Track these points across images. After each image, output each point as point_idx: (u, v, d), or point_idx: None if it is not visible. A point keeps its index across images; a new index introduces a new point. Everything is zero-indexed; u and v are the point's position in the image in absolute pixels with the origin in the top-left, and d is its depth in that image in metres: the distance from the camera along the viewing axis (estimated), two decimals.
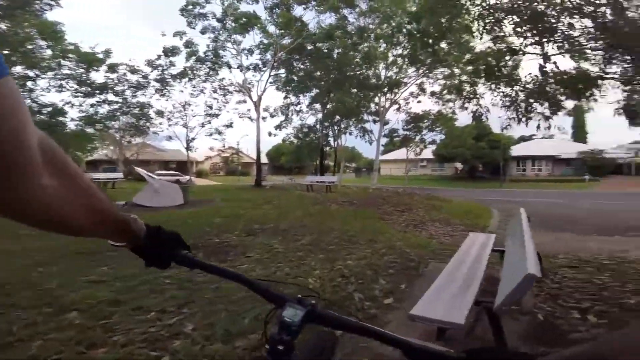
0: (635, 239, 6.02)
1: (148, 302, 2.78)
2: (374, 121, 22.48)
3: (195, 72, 20.70)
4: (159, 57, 20.29)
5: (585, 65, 6.39)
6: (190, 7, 18.52)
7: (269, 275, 3.58)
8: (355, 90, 20.55)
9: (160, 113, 22.90)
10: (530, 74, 6.67)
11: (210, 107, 22.77)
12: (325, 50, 19.82)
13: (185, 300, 2.85)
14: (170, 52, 19.95)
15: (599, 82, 6.11)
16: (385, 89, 20.59)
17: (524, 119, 6.96)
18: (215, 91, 22.02)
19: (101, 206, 0.50)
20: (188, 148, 24.19)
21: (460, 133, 25.78)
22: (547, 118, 6.51)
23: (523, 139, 42.72)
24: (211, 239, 5.29)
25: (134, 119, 22.68)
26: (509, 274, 2.05)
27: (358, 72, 20.52)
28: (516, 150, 35.13)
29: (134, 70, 20.72)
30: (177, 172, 29.15)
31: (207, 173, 42.79)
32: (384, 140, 24.07)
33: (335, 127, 24.96)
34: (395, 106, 21.84)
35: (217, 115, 23.03)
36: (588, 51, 6.11)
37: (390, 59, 20.33)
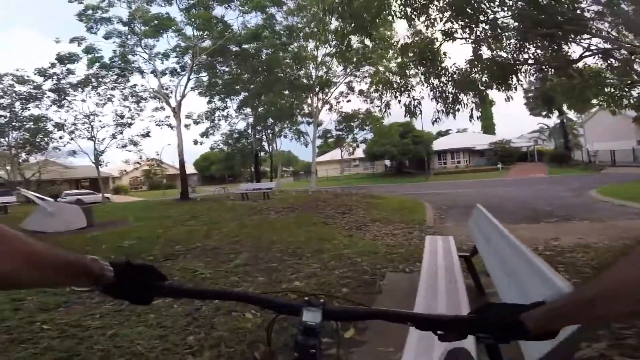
0: (558, 225, 6.36)
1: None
2: (308, 123, 22.43)
3: (100, 79, 18.75)
4: (52, 65, 18.00)
5: (502, 54, 6.67)
6: (90, 11, 16.43)
7: (190, 313, 2.70)
8: (287, 92, 20.05)
9: (60, 126, 20.14)
10: (454, 64, 6.81)
11: (121, 117, 20.69)
12: (253, 51, 18.90)
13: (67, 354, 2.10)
14: (67, 59, 17.77)
15: (518, 68, 6.39)
16: (317, 89, 20.55)
17: (451, 111, 7.09)
18: (126, 98, 20.06)
19: (29, 249, 0.47)
20: (97, 163, 21.71)
21: (387, 130, 26.83)
22: (477, 106, 6.61)
23: (440, 134, 46.46)
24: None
25: (28, 135, 19.69)
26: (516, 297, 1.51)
27: (289, 73, 20.03)
28: (437, 145, 37.65)
29: (22, 81, 18.23)
30: (89, 191, 26.12)
31: (127, 189, 39.02)
32: (318, 142, 24.02)
33: (269, 131, 24.14)
34: (327, 106, 22.03)
35: (129, 125, 21.13)
36: (504, 39, 6.37)
37: (320, 58, 20.24)
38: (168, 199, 18.80)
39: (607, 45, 5.72)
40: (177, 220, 8.57)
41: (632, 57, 5.51)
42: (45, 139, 20.26)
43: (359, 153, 31.93)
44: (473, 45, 6.18)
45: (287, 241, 5.57)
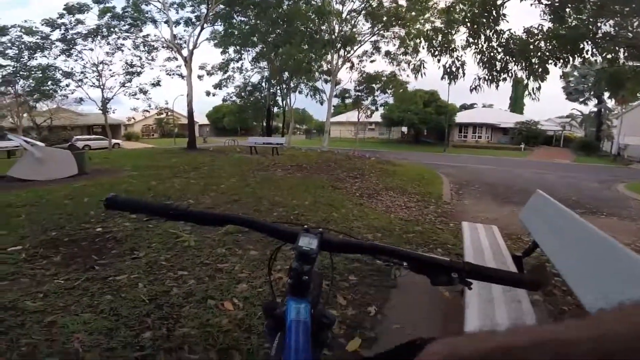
0: (585, 218, 5.71)
1: None
2: (326, 81, 21.24)
3: (111, 29, 18.18)
4: (61, 15, 17.46)
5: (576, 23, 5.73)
6: None
7: (155, 297, 2.13)
8: (306, 46, 18.60)
9: (67, 74, 19.96)
10: (510, 29, 5.99)
11: (131, 65, 20.31)
12: (273, 1, 17.36)
13: None
14: (76, 9, 17.20)
15: (596, 40, 5.42)
16: (339, 46, 19.04)
17: (496, 80, 6.31)
18: (137, 48, 19.63)
19: None
20: (105, 110, 21.69)
21: (411, 96, 25.40)
22: (536, 78, 5.73)
23: (465, 107, 44.80)
24: (90, 227, 3.55)
25: (36, 83, 19.61)
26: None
27: (310, 27, 18.58)
28: (460, 117, 36.40)
29: (30, 32, 17.71)
30: (99, 136, 26.97)
31: (138, 136, 39.50)
32: (335, 101, 22.81)
33: (284, 86, 23.03)
34: (348, 65, 20.49)
35: (139, 73, 20.72)
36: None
37: (345, 14, 18.62)
38: (175, 148, 18.37)
39: None
40: (176, 172, 7.96)
41: None
42: (54, 87, 20.17)
43: (376, 117, 30.73)
44: (550, 8, 5.27)
45: (290, 205, 4.97)
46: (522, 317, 1.46)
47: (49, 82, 19.54)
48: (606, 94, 21.10)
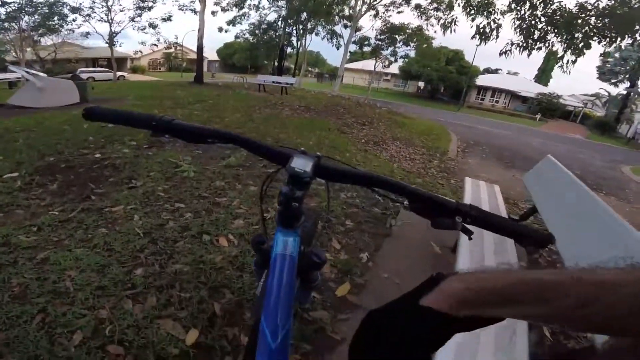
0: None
1: None
2: (345, 26, 20.40)
3: None
4: None
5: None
6: None
7: (149, 231, 2.10)
8: None
9: (76, 10, 19.46)
10: (560, 1, 5.72)
11: (142, 0, 19.89)
12: None
13: None
14: None
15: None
16: None
17: (531, 48, 6.11)
18: None
19: None
20: (111, 43, 21.57)
21: (435, 52, 24.10)
22: (575, 52, 5.45)
23: (488, 71, 42.89)
24: (89, 153, 3.46)
25: (42, 19, 19.18)
26: None
27: None
28: (480, 80, 35.30)
29: None
30: (104, 69, 26.39)
31: (144, 69, 38.62)
32: (352, 48, 21.75)
33: (300, 26, 21.69)
34: (372, 12, 19.15)
35: (150, 8, 20.31)
36: None
37: None
38: (182, 81, 17.79)
39: None
40: (179, 103, 7.71)
41: None
42: (60, 21, 19.76)
43: (393, 69, 29.47)
44: None
45: (294, 143, 4.89)
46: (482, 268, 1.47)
47: (55, 18, 19.12)
48: None
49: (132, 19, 20.78)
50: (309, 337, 1.47)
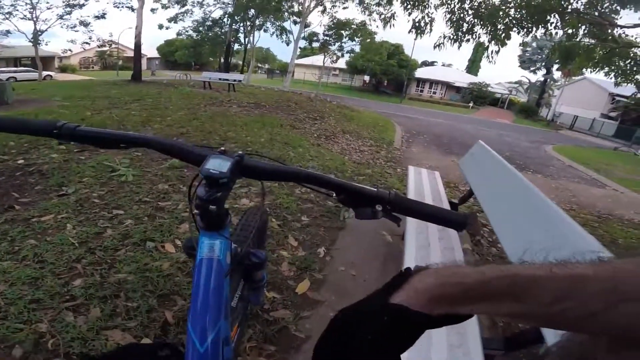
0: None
1: None
2: (295, 22, 20.43)
3: None
4: None
5: None
6: None
7: (85, 241, 1.92)
8: None
9: None
10: None
11: None
12: None
13: None
14: None
15: (563, 10, 5.64)
16: None
17: (461, 40, 6.58)
18: None
19: None
20: (36, 42, 20.17)
21: (377, 47, 25.00)
22: (497, 43, 5.96)
23: (425, 64, 45.62)
24: (9, 160, 3.05)
25: None
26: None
27: None
28: (419, 73, 37.55)
29: None
30: (27, 69, 24.41)
31: (75, 69, 35.39)
32: (302, 43, 21.78)
33: (248, 23, 21.13)
34: (320, 8, 19.35)
35: (81, 6, 19.27)
36: None
37: None
38: (118, 80, 16.40)
39: None
40: (115, 103, 7.06)
41: None
42: None
43: (341, 63, 30.15)
44: None
45: (244, 140, 4.76)
46: (453, 262, 1.56)
47: None
48: (555, 66, 22.95)
49: (61, 17, 19.61)
50: (272, 337, 1.45)
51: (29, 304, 1.41)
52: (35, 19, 19.36)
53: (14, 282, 1.51)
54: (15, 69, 24.98)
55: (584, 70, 7.33)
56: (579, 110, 26.18)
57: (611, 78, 7.05)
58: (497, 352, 1.14)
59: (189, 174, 3.04)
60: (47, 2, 18.49)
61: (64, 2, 19.04)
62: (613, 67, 6.56)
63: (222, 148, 0.56)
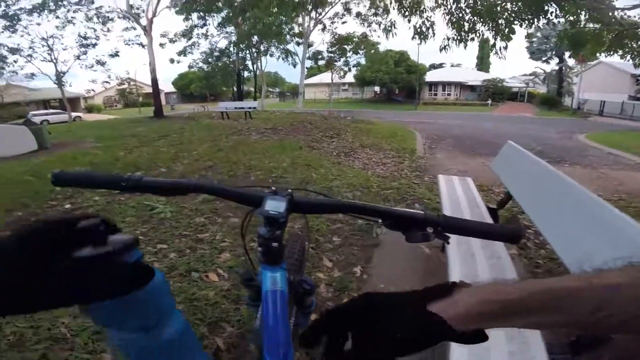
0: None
1: None
2: (298, 43, 20.82)
3: (59, 3, 16.75)
4: None
5: None
6: None
7: None
8: (275, 9, 17.50)
9: (15, 51, 18.61)
10: None
11: (85, 38, 19.42)
12: None
13: None
14: None
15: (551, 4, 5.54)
16: (310, 7, 18.26)
17: (465, 40, 6.42)
18: (90, 20, 18.50)
19: None
20: (60, 84, 20.92)
21: (382, 57, 25.20)
22: (503, 38, 5.83)
23: (434, 66, 45.28)
24: (58, 205, 3.30)
25: None
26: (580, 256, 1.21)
27: None
28: (429, 76, 36.98)
29: None
30: (58, 110, 25.29)
31: (100, 108, 37.17)
32: (308, 63, 22.45)
33: (254, 49, 21.99)
34: (320, 26, 20.14)
35: (94, 45, 19.95)
36: None
37: None
38: (141, 117, 17.39)
39: None
40: (143, 141, 7.50)
41: None
42: (0, 63, 18.72)
43: (349, 78, 30.56)
44: None
45: (268, 167, 4.88)
46: (503, 271, 1.51)
47: None
48: (567, 54, 22.24)
49: (78, 57, 20.47)
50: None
51: (93, 335, 1.51)
52: (55, 61, 20.23)
53: (77, 315, 1.61)
54: (46, 111, 26.11)
55: (597, 55, 7.07)
56: (605, 95, 24.88)
57: (628, 60, 6.75)
58: (563, 357, 1.10)
59: (221, 205, 3.16)
60: (62, 44, 19.81)
61: (77, 42, 19.84)
62: (627, 50, 6.29)
63: (273, 188, 0.61)
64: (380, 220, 0.57)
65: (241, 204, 0.64)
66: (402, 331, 0.35)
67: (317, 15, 19.23)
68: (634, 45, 6.17)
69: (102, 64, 21.06)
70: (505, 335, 1.06)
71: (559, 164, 6.31)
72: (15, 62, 19.22)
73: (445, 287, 0.37)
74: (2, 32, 17.44)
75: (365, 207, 0.59)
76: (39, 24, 19.86)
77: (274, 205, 0.57)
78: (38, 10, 16.97)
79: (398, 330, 0.35)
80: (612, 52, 6.38)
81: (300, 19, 19.09)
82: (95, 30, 19.26)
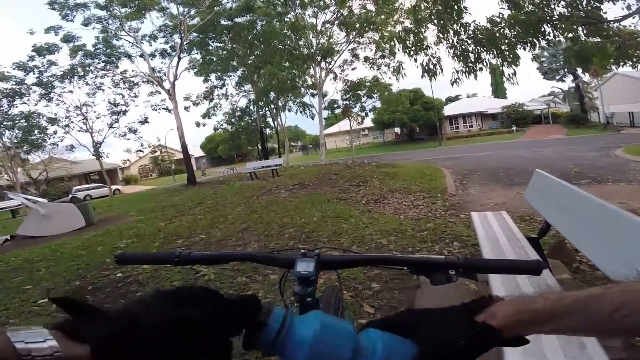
0: (592, 188, 5.63)
1: None
2: (312, 95, 21.71)
3: (87, 68, 17.88)
4: (31, 57, 16.80)
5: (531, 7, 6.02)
6: None
7: None
8: (287, 63, 18.98)
9: (52, 120, 19.38)
10: (474, 21, 6.29)
11: (115, 104, 20.01)
12: (246, 24, 17.83)
13: None
14: (45, 50, 16.66)
15: (554, 23, 5.71)
16: (319, 58, 19.47)
17: (473, 71, 6.57)
18: (117, 85, 19.39)
19: None
20: (98, 155, 21.02)
21: (396, 97, 25.88)
22: (509, 64, 5.94)
23: (450, 99, 45.69)
24: (110, 274, 3.60)
25: (23, 133, 18.98)
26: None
27: (287, 44, 19.00)
28: (448, 110, 36.98)
29: (2, 77, 17.07)
30: (99, 184, 26.39)
31: (137, 179, 39.41)
32: (325, 113, 23.22)
33: (272, 106, 23.36)
34: (332, 75, 21.03)
35: (124, 112, 20.44)
36: None
37: (319, 26, 19.15)
38: (176, 185, 18.47)
39: None
40: (180, 210, 8.01)
41: None
42: (41, 135, 19.65)
43: (368, 122, 31.19)
44: None
45: (299, 223, 5.01)
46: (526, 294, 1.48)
47: (35, 131, 19.01)
48: (579, 70, 22.04)
49: (111, 125, 20.57)
50: None
51: None
52: (90, 130, 20.32)
53: None
54: (87, 186, 27.28)
55: (607, 67, 6.98)
56: (630, 105, 23.85)
57: (638, 69, 6.63)
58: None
59: (258, 265, 3.27)
60: (95, 111, 20.43)
61: (107, 109, 20.13)
62: (634, 59, 6.22)
63: (303, 250, 0.67)
64: (405, 268, 0.60)
65: (277, 267, 0.71)
66: (460, 338, 0.39)
67: (327, 65, 20.18)
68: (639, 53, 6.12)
69: (134, 131, 21.11)
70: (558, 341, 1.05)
71: (601, 184, 6.01)
72: (55, 133, 19.91)
73: (483, 300, 0.43)
74: (39, 100, 18.14)
75: (389, 257, 0.64)
76: (71, 92, 20.19)
77: (304, 266, 0.63)
78: (69, 77, 17.78)
79: (457, 337, 0.39)
80: (621, 63, 6.34)
81: (311, 71, 20.11)
82: (123, 96, 19.72)
